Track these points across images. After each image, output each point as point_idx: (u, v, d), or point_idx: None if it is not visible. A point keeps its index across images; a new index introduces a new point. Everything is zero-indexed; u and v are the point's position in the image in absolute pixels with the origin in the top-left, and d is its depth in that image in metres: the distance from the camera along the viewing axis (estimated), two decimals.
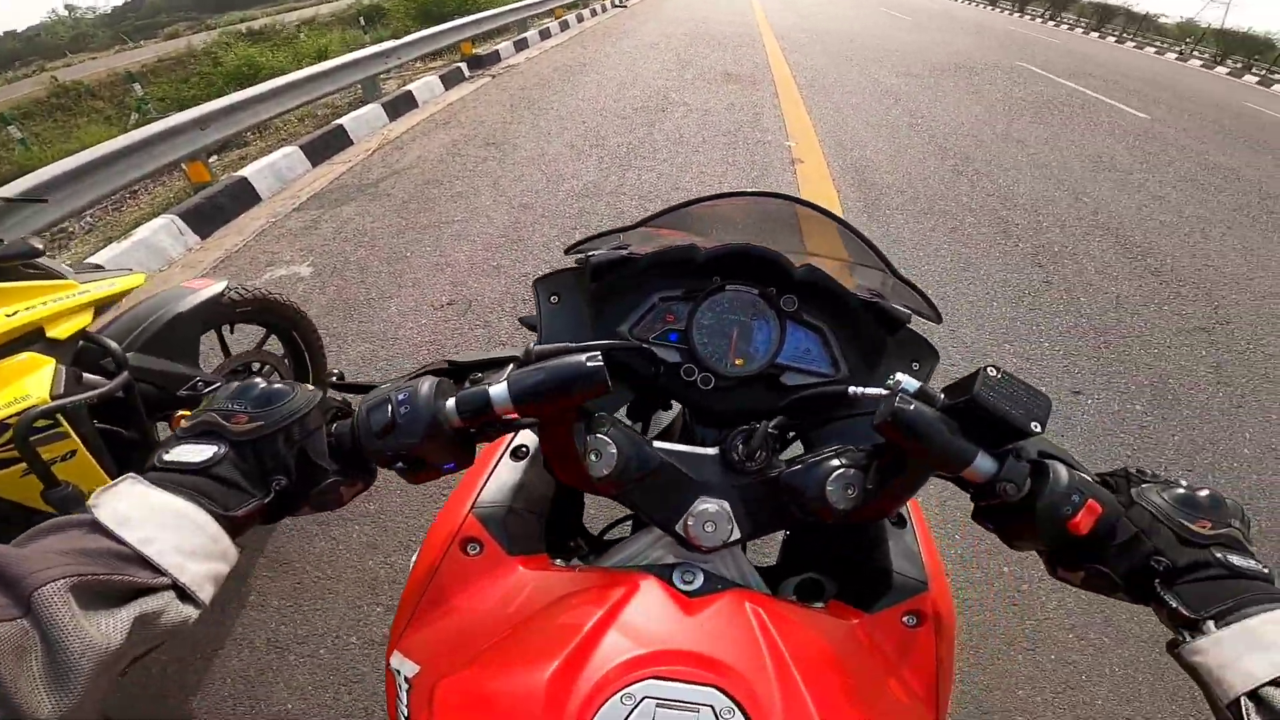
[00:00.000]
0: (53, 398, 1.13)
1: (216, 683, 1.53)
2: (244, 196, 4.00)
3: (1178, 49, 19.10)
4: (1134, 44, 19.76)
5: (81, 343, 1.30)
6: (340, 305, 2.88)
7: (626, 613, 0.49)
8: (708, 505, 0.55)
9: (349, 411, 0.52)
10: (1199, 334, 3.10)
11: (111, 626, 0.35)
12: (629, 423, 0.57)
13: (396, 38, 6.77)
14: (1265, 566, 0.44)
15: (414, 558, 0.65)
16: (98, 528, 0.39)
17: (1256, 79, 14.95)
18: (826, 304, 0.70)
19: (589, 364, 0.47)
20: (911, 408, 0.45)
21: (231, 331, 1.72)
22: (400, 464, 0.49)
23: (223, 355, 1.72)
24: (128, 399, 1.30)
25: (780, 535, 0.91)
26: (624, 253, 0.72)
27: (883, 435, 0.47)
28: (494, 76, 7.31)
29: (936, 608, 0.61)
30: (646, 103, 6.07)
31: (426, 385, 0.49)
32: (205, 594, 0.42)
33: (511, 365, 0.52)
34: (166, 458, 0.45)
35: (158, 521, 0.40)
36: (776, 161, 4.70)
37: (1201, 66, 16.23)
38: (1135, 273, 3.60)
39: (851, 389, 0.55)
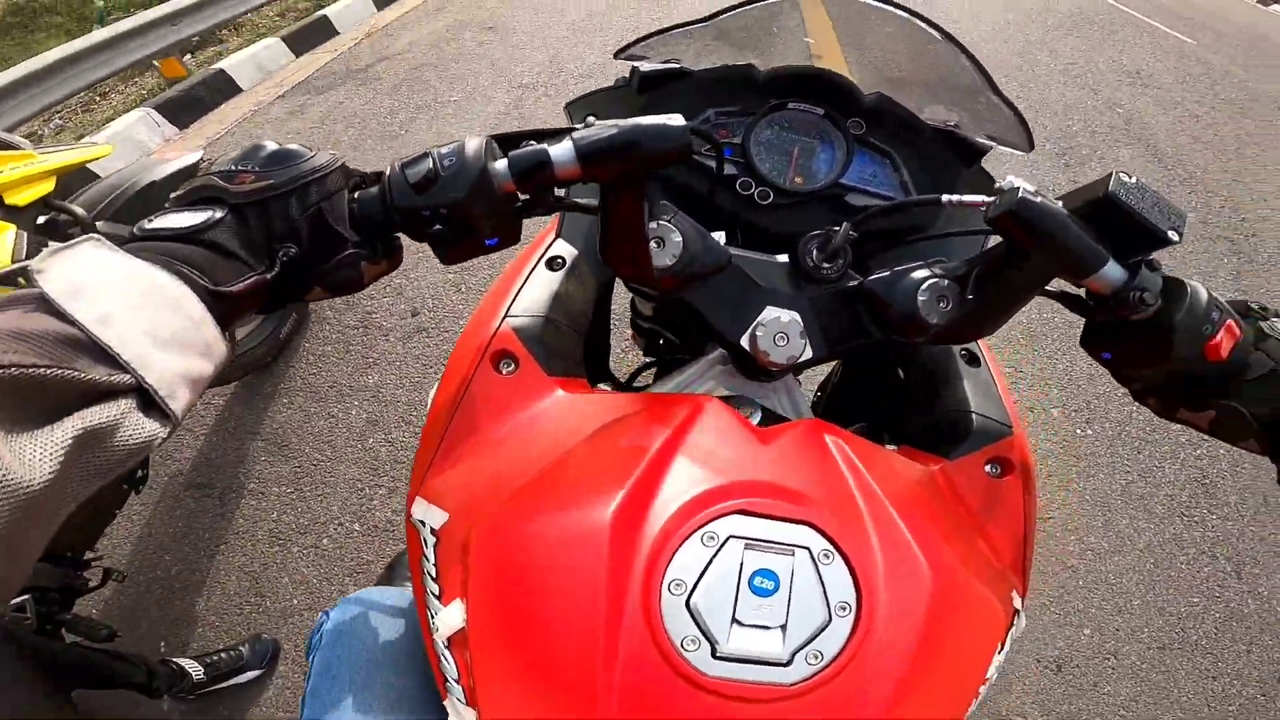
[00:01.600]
0: (14, 262, 1.08)
1: (221, 581, 1.52)
2: (223, 88, 3.82)
3: None
4: None
5: (46, 213, 1.25)
6: None
7: (693, 437, 0.42)
8: (779, 314, 0.50)
9: (377, 181, 0.44)
10: (1223, 242, 3.02)
11: (39, 450, 0.25)
12: (696, 222, 0.50)
13: None
14: None
15: (433, 391, 0.56)
16: (43, 303, 0.28)
17: None
18: (898, 131, 0.65)
19: (671, 123, 0.41)
20: (1036, 198, 0.40)
21: None
22: (438, 227, 0.42)
23: None
24: None
25: (812, 396, 0.85)
26: (676, 65, 0.65)
27: (999, 231, 0.42)
28: None
29: (1023, 456, 0.55)
30: None
31: (475, 142, 0.43)
32: (178, 401, 0.31)
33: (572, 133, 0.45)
34: (147, 226, 0.36)
35: (122, 294, 0.30)
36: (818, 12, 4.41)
37: (1256, 2, 15.17)
38: (1163, 180, 3.46)
39: (945, 197, 0.49)
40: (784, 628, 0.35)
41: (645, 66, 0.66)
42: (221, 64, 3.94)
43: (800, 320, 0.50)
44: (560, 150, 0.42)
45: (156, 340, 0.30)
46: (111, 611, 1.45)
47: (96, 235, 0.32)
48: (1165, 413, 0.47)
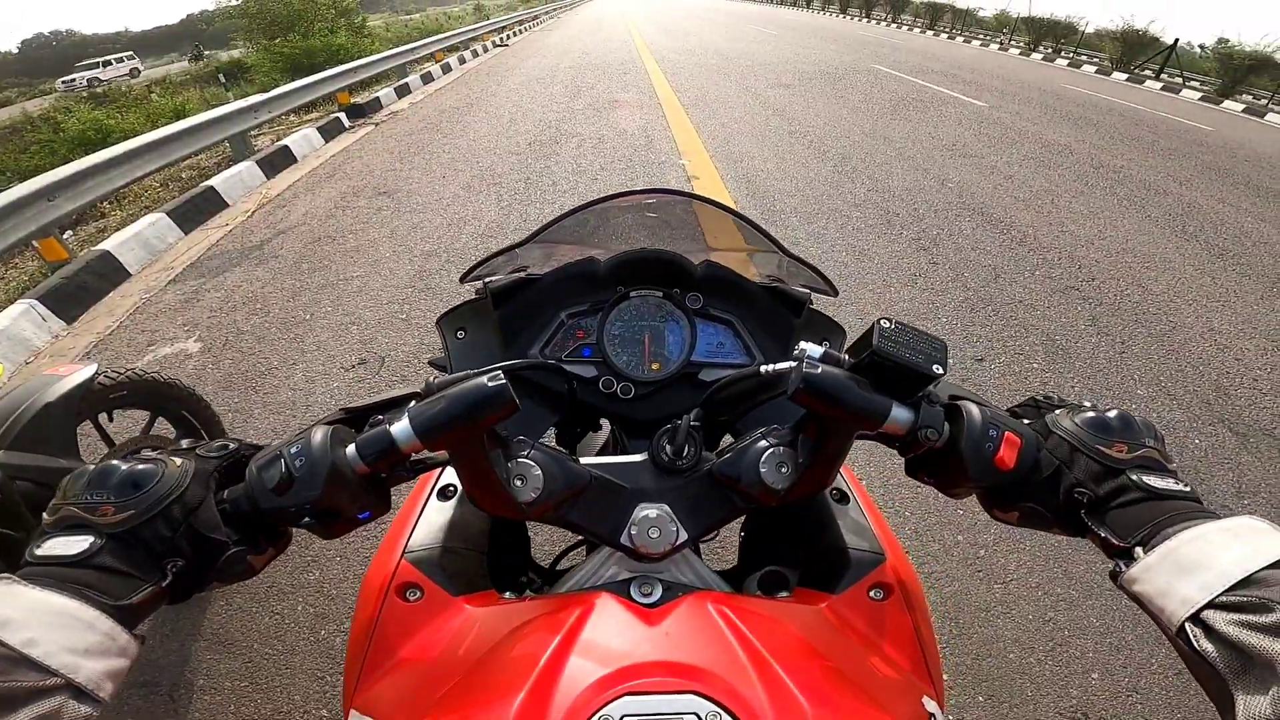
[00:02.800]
0: None
1: None
2: (110, 273, 3.63)
3: (998, 40, 21.65)
4: (962, 38, 22.16)
5: None
6: (239, 378, 2.65)
7: (586, 633, 0.46)
8: (648, 511, 0.54)
9: (241, 474, 0.47)
10: (1071, 292, 3.47)
11: None
12: (552, 445, 0.55)
13: (264, 93, 6.39)
14: (1185, 484, 0.44)
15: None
16: None
17: (1066, 61, 17.22)
18: (731, 296, 0.71)
19: (490, 384, 0.45)
20: (819, 371, 0.45)
21: (111, 419, 1.58)
22: (307, 519, 0.45)
23: (108, 446, 1.56)
24: (6, 499, 1.18)
25: (737, 539, 0.91)
26: (523, 275, 0.71)
27: (799, 404, 0.47)
28: (377, 124, 7.10)
29: (899, 576, 0.61)
30: (539, 136, 6.10)
31: (320, 434, 0.46)
32: (105, 691, 0.38)
33: (413, 402, 0.49)
34: (39, 553, 0.40)
35: (41, 622, 0.36)
36: (673, 180, 4.84)
37: (1019, 54, 18.48)
38: (1005, 245, 3.99)
39: (763, 367, 0.54)
40: None
41: (493, 281, 0.70)
42: (105, 244, 3.74)
43: (670, 510, 0.54)
44: (400, 429, 0.46)
45: (77, 651, 0.37)
46: None
47: (6, 575, 0.38)
48: (987, 511, 0.52)
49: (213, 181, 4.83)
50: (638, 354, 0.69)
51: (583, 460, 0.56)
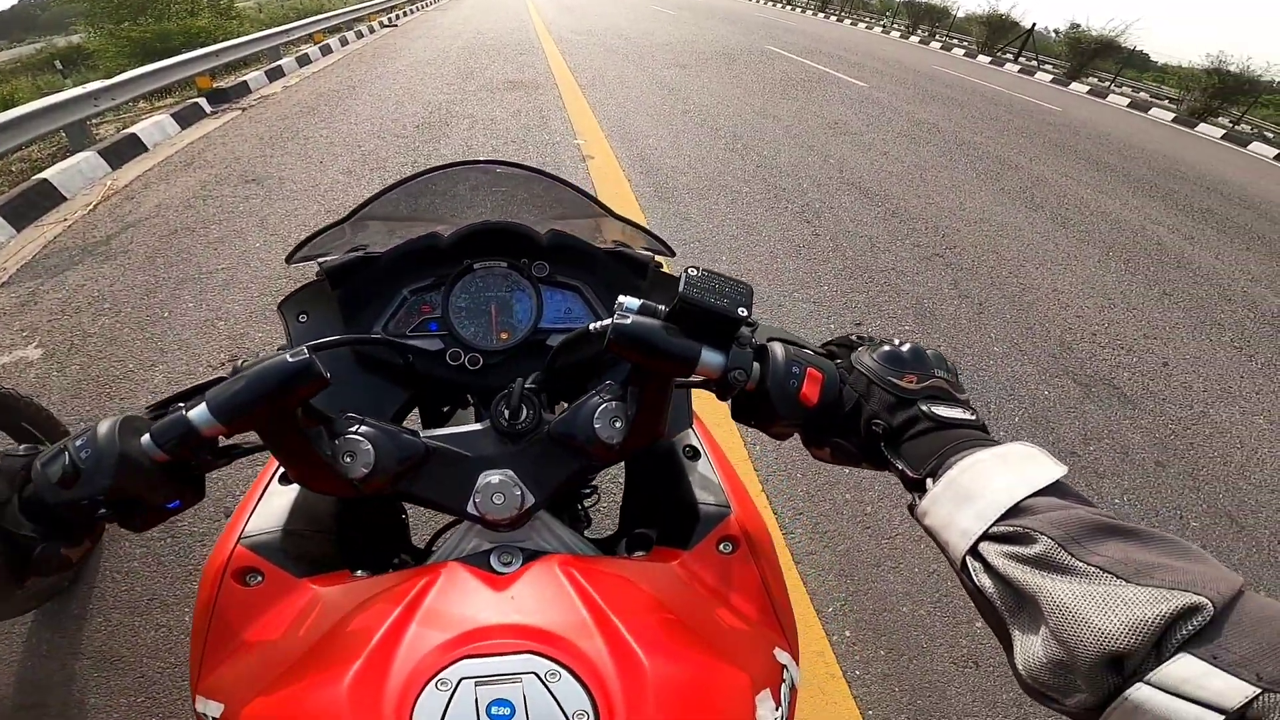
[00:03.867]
0: None
1: None
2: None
3: (881, 23, 23.00)
4: (850, 21, 23.36)
5: None
6: (89, 384, 2.39)
7: (429, 602, 0.46)
8: (491, 477, 0.54)
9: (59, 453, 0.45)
10: (936, 259, 3.78)
11: None
12: (385, 421, 0.54)
13: (106, 79, 5.68)
14: (973, 413, 0.45)
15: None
16: None
17: (940, 45, 18.58)
18: (578, 262, 0.71)
19: (293, 360, 0.43)
20: (629, 321, 0.46)
21: None
22: (103, 511, 0.43)
23: None
24: None
25: (618, 504, 0.92)
26: (360, 254, 0.69)
27: (615, 354, 0.48)
28: (245, 109, 6.49)
29: (745, 528, 0.62)
30: (428, 119, 5.83)
31: (107, 425, 0.44)
32: None
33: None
34: None
35: None
36: (568, 160, 4.79)
37: (899, 37, 19.73)
38: (879, 216, 4.29)
39: (591, 325, 0.54)
40: None
41: (328, 261, 0.68)
42: None
43: (514, 475, 0.54)
44: (198, 414, 0.44)
45: None
46: None
47: None
48: (808, 450, 0.53)
49: (46, 174, 4.23)
50: (485, 324, 0.69)
51: (422, 433, 0.55)
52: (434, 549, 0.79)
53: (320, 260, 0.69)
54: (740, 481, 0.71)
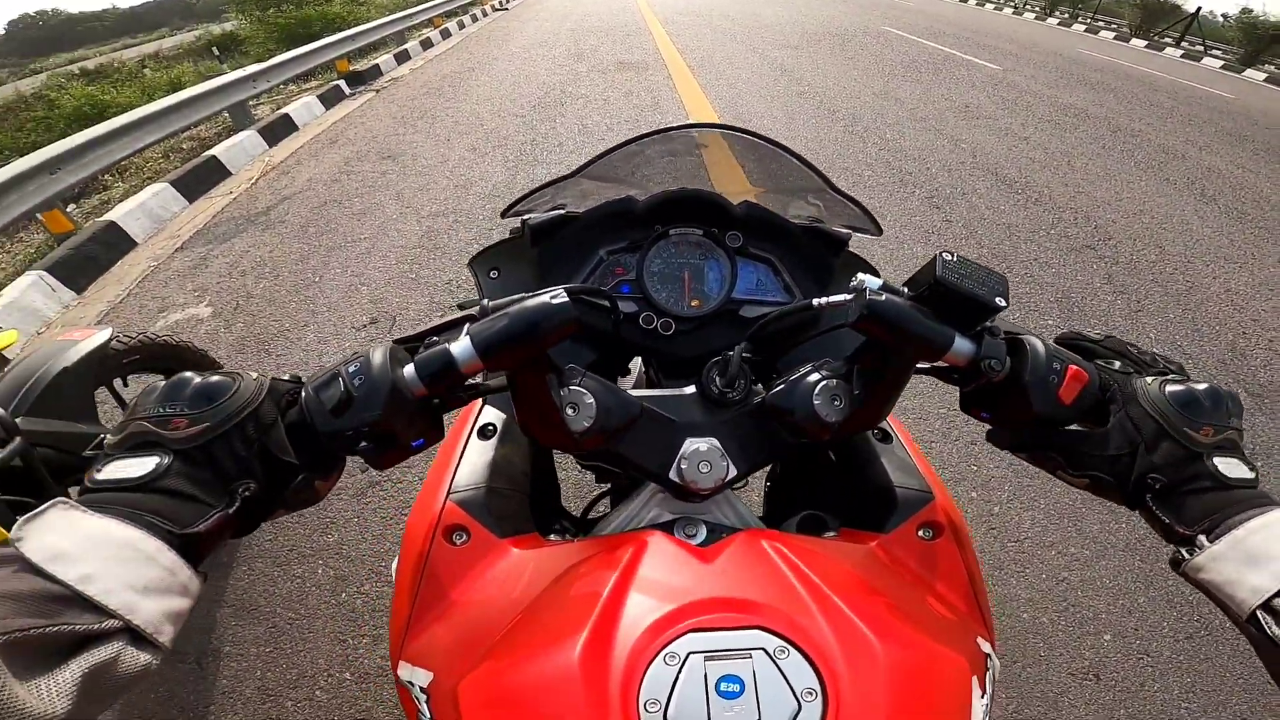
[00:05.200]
0: None
1: None
2: (117, 242, 3.62)
3: (1013, 4, 21.01)
4: (975, 1, 21.52)
5: None
6: (252, 341, 2.65)
7: (642, 571, 0.45)
8: (698, 445, 0.52)
9: (297, 393, 0.46)
10: (1086, 251, 3.43)
11: (54, 689, 0.29)
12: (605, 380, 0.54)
13: (260, 63, 6.28)
14: (1253, 469, 0.44)
15: (395, 563, 0.59)
16: (26, 565, 0.32)
17: (1084, 27, 16.74)
18: (771, 235, 0.70)
19: (554, 300, 0.43)
20: (884, 298, 0.45)
21: (125, 384, 1.56)
22: (364, 444, 0.43)
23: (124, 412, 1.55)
24: (28, 466, 1.16)
25: (762, 489, 0.90)
26: (562, 212, 0.70)
27: (861, 331, 0.46)
28: (378, 91, 6.97)
29: (949, 516, 0.60)
30: (543, 99, 5.99)
31: (380, 353, 0.44)
32: (165, 635, 0.35)
33: (467, 325, 0.47)
34: (99, 477, 0.38)
35: (99, 554, 0.33)
36: (680, 147, 4.74)
37: (1034, 19, 17.95)
38: (1019, 204, 3.93)
39: (816, 301, 0.54)
40: None
41: (533, 218, 0.68)
42: (111, 214, 3.72)
43: (719, 444, 0.52)
44: (461, 348, 0.44)
45: (137, 589, 0.34)
46: None
47: (64, 499, 0.35)
48: (1051, 471, 0.51)
49: (215, 151, 4.77)
50: (678, 290, 0.68)
51: (633, 393, 0.54)
52: (592, 518, 0.79)
53: (526, 217, 0.70)
54: (934, 470, 0.67)
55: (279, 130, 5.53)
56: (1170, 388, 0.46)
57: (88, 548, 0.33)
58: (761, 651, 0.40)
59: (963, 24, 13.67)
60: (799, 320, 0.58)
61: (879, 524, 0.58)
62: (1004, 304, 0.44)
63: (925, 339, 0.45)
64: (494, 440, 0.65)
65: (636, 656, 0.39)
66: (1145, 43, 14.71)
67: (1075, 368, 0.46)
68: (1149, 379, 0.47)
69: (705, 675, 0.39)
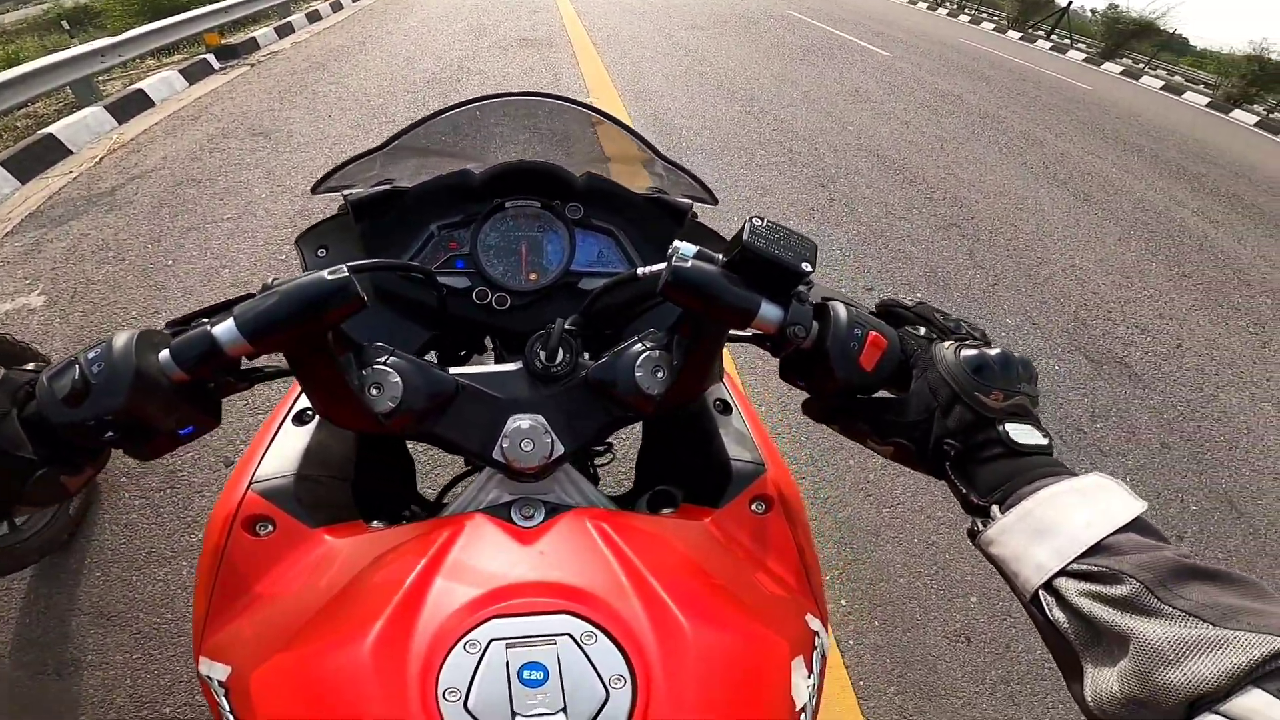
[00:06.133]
0: None
1: None
2: None
3: None
4: None
5: None
6: (91, 332, 2.40)
7: (454, 555, 0.43)
8: (520, 422, 0.50)
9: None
10: (952, 229, 3.71)
11: None
12: (415, 355, 0.51)
13: (113, 36, 5.59)
14: (1046, 435, 0.44)
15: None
16: None
17: (968, 17, 17.93)
18: (612, 206, 0.68)
19: (331, 278, 0.40)
20: (689, 265, 0.44)
21: None
22: (110, 434, 0.40)
23: None
24: None
25: (634, 463, 0.90)
26: (387, 188, 0.66)
27: (669, 299, 0.45)
28: (253, 65, 6.37)
29: (780, 489, 0.59)
30: (439, 74, 5.71)
31: (124, 338, 0.40)
32: None
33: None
34: None
35: None
36: (519, 113, 4.68)
37: (926, 8, 19.04)
38: (896, 184, 4.19)
39: (640, 270, 0.53)
40: (565, 711, 0.36)
41: (353, 194, 0.65)
42: None
43: (544, 421, 0.51)
44: (224, 330, 0.41)
45: None
46: None
47: None
48: (860, 441, 0.51)
49: (53, 129, 4.20)
50: (514, 264, 0.66)
51: (451, 370, 0.52)
52: (445, 502, 0.77)
53: (345, 192, 0.66)
54: (772, 441, 0.67)
55: (131, 107, 4.94)
56: (964, 352, 0.46)
57: None
58: (567, 637, 0.38)
59: (861, 10, 14.24)
60: (631, 293, 0.57)
61: (716, 498, 0.58)
62: (809, 269, 0.44)
63: (730, 305, 0.45)
64: (310, 426, 0.60)
65: (436, 645, 0.38)
66: (1020, 35, 15.95)
67: (875, 334, 0.46)
68: (946, 344, 0.47)
69: (507, 663, 0.37)
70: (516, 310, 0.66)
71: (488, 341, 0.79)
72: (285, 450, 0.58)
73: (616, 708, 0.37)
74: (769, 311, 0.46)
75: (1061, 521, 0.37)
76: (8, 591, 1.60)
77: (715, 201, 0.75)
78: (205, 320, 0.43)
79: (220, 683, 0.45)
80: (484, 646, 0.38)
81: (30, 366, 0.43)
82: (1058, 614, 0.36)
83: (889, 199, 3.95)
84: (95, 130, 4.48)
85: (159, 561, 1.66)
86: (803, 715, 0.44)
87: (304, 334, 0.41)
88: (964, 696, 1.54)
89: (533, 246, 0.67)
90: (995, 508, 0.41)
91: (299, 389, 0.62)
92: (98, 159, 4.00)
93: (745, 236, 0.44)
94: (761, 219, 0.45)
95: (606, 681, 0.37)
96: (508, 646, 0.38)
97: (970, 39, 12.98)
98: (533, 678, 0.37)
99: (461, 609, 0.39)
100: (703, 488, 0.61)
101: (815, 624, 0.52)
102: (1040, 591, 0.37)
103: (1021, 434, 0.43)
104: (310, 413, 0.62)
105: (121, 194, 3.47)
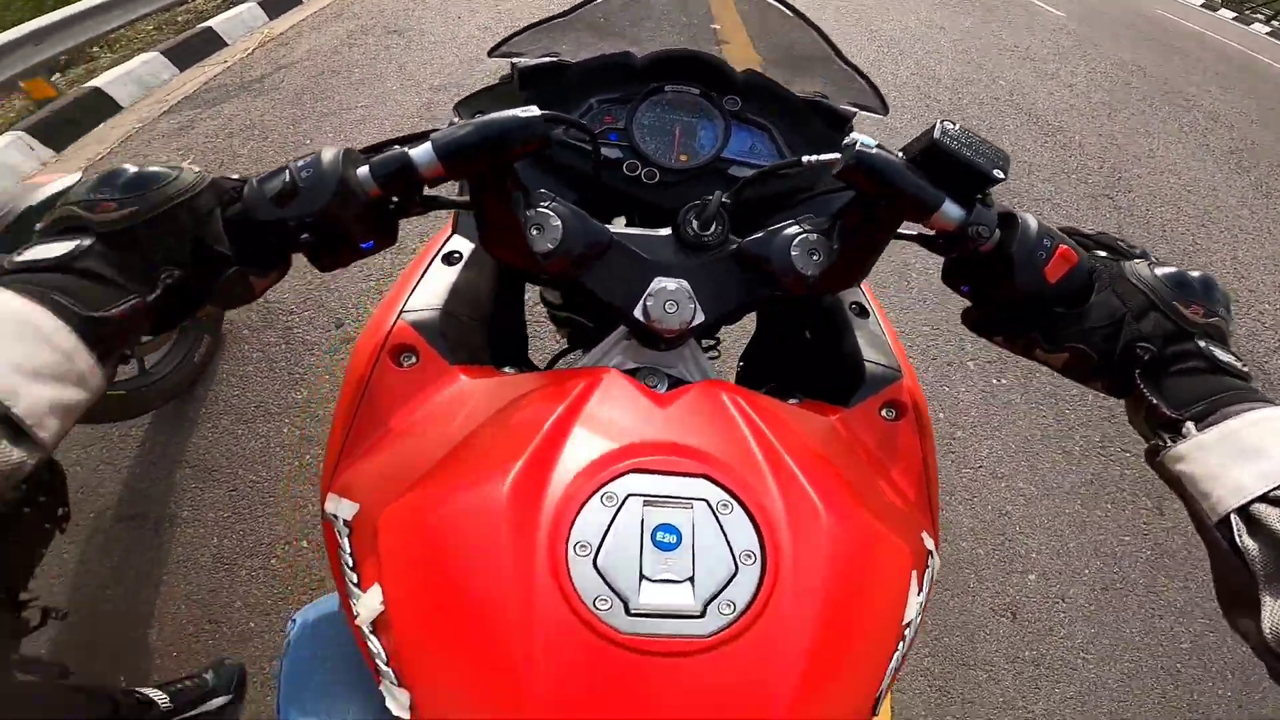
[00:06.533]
0: None
1: (170, 611, 1.44)
2: (101, 107, 3.53)
3: None
4: None
5: None
6: None
7: (591, 407, 0.42)
8: (667, 284, 0.51)
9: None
10: (1103, 199, 3.33)
11: None
12: (576, 207, 0.51)
13: None
14: (1244, 364, 0.41)
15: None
16: None
17: None
18: (770, 104, 0.68)
19: (523, 114, 0.43)
20: (873, 150, 0.43)
21: None
22: (307, 235, 0.42)
23: None
24: None
25: (735, 365, 0.90)
26: (555, 59, 0.67)
27: (846, 182, 0.45)
28: None
29: (914, 398, 0.57)
30: None
31: (331, 151, 0.43)
32: (47, 430, 0.31)
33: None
34: (15, 259, 0.35)
35: None
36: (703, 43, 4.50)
37: None
38: (1046, 146, 3.76)
39: (805, 158, 0.52)
40: (692, 580, 0.35)
41: (523, 63, 0.67)
42: (96, 81, 3.63)
43: (688, 286, 0.51)
44: (420, 152, 0.43)
45: (24, 372, 0.30)
46: (60, 651, 1.37)
47: None
48: (1023, 351, 0.49)
49: (211, 22, 4.58)
50: (667, 143, 0.67)
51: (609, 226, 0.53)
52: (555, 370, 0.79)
53: (515, 60, 0.68)
54: (904, 349, 0.64)
55: (282, 4, 5.28)
56: (1161, 269, 0.44)
57: None
58: (704, 503, 0.37)
59: None
60: (786, 186, 0.58)
61: (844, 400, 0.56)
62: (1002, 176, 0.43)
63: (913, 195, 0.44)
64: (457, 268, 0.62)
65: (571, 494, 0.37)
66: (1234, 14, 13.63)
67: (1065, 247, 0.45)
68: (1140, 261, 0.46)
69: (642, 520, 0.36)
70: (664, 186, 0.66)
71: (621, 220, 0.81)
72: (433, 286, 0.59)
73: (742, 585, 0.35)
74: (951, 209, 0.45)
75: (1272, 447, 0.35)
76: (125, 438, 1.72)
77: (886, 111, 0.72)
78: (398, 145, 0.46)
79: (345, 522, 0.45)
80: (620, 501, 0.37)
81: (235, 177, 0.46)
82: (1247, 540, 0.34)
83: (1035, 159, 3.55)
84: (249, 25, 4.83)
85: (265, 417, 1.76)
86: (907, 631, 0.43)
87: (491, 164, 0.44)
88: (991, 672, 1.47)
89: (686, 130, 0.68)
90: (1191, 424, 0.39)
91: (449, 231, 0.66)
92: (249, 50, 4.32)
93: (936, 135, 0.43)
94: (954, 122, 0.44)
95: (737, 555, 0.36)
96: (644, 504, 0.37)
97: (1170, 11, 11.18)
98: (665, 540, 0.36)
99: (600, 459, 0.38)
100: (826, 390, 0.60)
101: (929, 543, 0.50)
102: (1233, 515, 0.34)
103: (1223, 353, 0.41)
104: (458, 255, 0.64)
105: (269, 81, 3.72)
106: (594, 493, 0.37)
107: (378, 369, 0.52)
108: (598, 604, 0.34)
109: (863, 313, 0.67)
